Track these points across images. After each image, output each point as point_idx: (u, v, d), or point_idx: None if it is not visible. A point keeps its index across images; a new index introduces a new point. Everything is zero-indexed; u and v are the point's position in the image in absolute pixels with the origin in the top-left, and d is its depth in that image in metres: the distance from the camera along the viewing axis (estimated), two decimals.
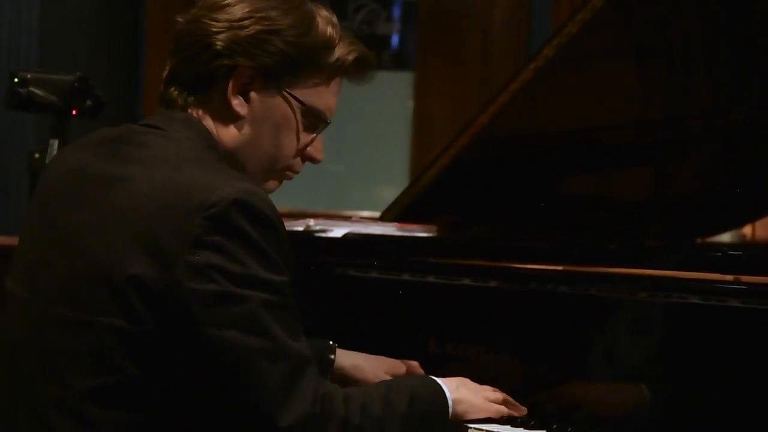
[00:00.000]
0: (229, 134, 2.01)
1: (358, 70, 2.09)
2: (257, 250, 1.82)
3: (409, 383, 2.09)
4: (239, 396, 1.81)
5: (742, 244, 3.50)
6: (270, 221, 1.85)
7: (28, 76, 2.99)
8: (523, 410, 2.27)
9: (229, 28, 1.97)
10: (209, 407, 1.84)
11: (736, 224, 3.36)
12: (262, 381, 1.80)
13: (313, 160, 2.11)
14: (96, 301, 1.83)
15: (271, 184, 2.08)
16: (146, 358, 1.82)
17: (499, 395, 2.24)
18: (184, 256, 1.79)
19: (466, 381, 2.19)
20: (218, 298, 1.79)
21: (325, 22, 2.04)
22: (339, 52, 2.05)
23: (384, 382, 2.09)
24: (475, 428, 2.24)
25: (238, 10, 1.98)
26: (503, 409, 2.22)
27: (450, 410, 2.09)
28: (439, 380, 2.11)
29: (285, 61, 1.99)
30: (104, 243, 1.84)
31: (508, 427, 2.27)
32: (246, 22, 1.97)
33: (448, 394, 2.09)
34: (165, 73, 2.04)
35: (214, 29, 1.97)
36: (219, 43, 1.96)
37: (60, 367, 1.84)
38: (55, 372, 1.85)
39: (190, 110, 2.00)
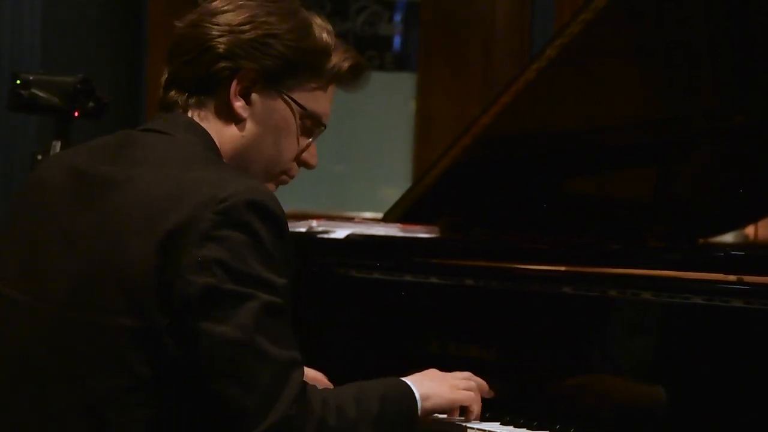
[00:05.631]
0: (230, 136, 2.03)
1: (352, 78, 2.14)
2: (262, 248, 1.83)
3: (379, 385, 2.09)
4: (222, 394, 1.80)
5: (745, 245, 3.50)
6: (278, 221, 1.86)
7: (31, 77, 2.99)
8: (490, 393, 2.29)
9: (230, 32, 1.99)
10: (195, 404, 1.83)
11: (738, 224, 3.36)
12: (247, 381, 1.80)
13: (308, 166, 2.14)
14: (110, 302, 1.83)
15: (269, 187, 2.09)
16: (160, 358, 1.82)
17: (471, 383, 2.25)
18: (191, 248, 1.79)
19: (431, 372, 2.21)
20: (216, 294, 1.80)
21: (321, 29, 2.08)
22: (335, 59, 2.10)
23: (355, 384, 2.07)
24: (478, 429, 2.24)
25: (237, 16, 2.01)
26: (472, 395, 2.24)
27: (419, 408, 2.10)
28: (406, 380, 2.12)
29: (285, 64, 2.02)
30: (118, 245, 1.84)
31: (510, 427, 2.28)
32: (246, 27, 2.00)
33: (416, 393, 2.10)
34: (164, 78, 2.05)
35: (215, 33, 2.00)
36: (221, 46, 1.99)
37: (77, 370, 1.84)
38: (74, 376, 1.84)
39: (191, 111, 2.01)
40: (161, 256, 1.80)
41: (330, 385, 2.38)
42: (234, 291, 1.80)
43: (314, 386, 1.92)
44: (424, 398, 2.11)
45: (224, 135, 2.02)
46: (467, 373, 2.28)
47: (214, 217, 1.81)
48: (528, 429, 2.27)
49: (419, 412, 2.10)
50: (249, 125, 2.03)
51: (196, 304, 1.79)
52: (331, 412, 1.89)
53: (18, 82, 2.98)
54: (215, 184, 1.84)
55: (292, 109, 2.05)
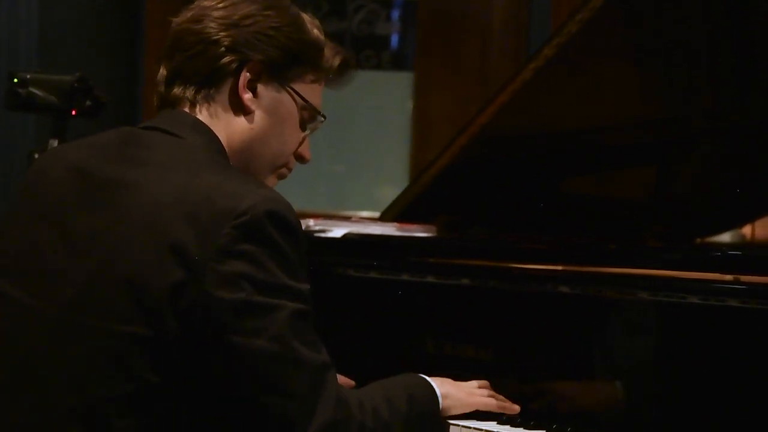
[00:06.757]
0: (240, 130, 2.03)
1: (342, 73, 2.18)
2: (285, 258, 1.84)
3: (404, 384, 2.13)
4: (265, 405, 1.82)
5: (742, 244, 3.50)
6: (295, 230, 1.87)
7: (28, 76, 2.99)
8: (515, 408, 2.31)
9: (234, 26, 2.01)
10: (232, 416, 1.84)
11: (737, 224, 3.36)
12: (289, 390, 1.82)
13: (303, 159, 2.15)
14: (119, 309, 1.82)
15: (271, 181, 2.11)
16: (168, 366, 1.81)
17: (484, 390, 2.31)
18: (212, 264, 1.80)
19: (446, 379, 2.25)
20: (247, 307, 1.81)
21: (312, 25, 2.11)
22: (327, 53, 2.13)
23: (380, 383, 2.11)
24: (475, 428, 2.24)
25: (237, 11, 2.02)
26: (490, 402, 2.28)
27: (440, 405, 2.17)
28: (427, 377, 2.18)
29: (288, 56, 2.05)
30: (127, 251, 1.84)
31: (507, 427, 2.28)
32: (248, 21, 2.02)
33: (437, 390, 2.17)
34: (164, 75, 2.05)
35: (219, 27, 2.01)
36: (226, 39, 2.00)
37: (79, 375, 1.83)
38: (75, 380, 1.83)
39: (198, 107, 2.02)
40: (178, 269, 1.80)
41: (352, 384, 2.40)
42: (264, 302, 1.81)
43: (347, 389, 1.94)
44: (444, 396, 2.18)
45: (233, 129, 2.03)
46: (484, 381, 2.33)
47: (233, 231, 1.81)
48: (525, 428, 2.27)
49: (440, 408, 2.17)
50: (257, 118, 2.04)
51: (228, 318, 1.80)
52: (367, 415, 1.93)
53: (15, 80, 2.98)
54: (230, 195, 1.84)
55: (295, 101, 2.07)
